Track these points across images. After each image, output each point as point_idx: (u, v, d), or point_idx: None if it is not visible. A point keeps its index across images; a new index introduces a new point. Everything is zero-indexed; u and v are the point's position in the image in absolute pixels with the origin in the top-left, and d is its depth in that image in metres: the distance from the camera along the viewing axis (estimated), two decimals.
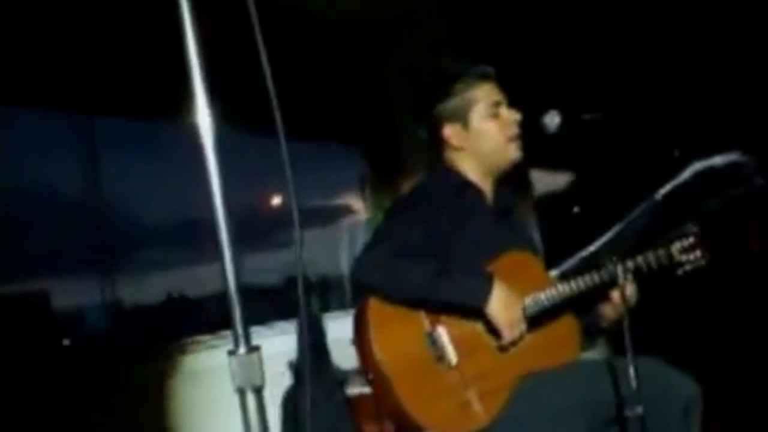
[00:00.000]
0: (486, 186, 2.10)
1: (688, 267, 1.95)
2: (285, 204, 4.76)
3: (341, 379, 3.41)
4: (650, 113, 4.74)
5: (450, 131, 2.06)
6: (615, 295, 1.92)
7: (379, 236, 1.88)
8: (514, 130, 2.04)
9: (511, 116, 2.05)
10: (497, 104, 2.05)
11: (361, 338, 1.80)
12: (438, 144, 2.10)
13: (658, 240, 1.87)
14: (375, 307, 1.80)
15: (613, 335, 2.00)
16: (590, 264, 1.75)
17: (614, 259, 1.70)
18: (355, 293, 3.59)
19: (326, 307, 4.13)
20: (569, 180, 6.07)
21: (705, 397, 1.86)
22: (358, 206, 4.54)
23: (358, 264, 1.82)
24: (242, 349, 0.93)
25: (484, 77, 2.07)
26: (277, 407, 3.37)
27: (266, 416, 0.95)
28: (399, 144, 4.17)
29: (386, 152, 4.22)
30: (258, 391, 0.93)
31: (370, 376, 1.79)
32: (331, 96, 4.19)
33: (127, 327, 3.60)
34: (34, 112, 3.25)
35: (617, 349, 1.82)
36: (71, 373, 2.84)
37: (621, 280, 1.68)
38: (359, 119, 4.33)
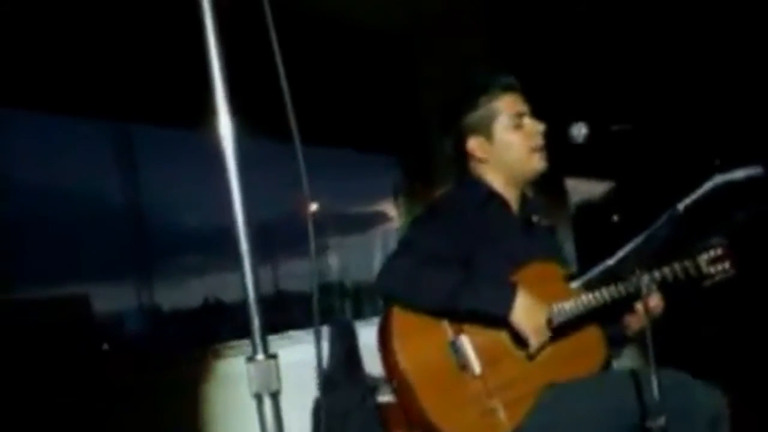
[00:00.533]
0: (512, 196, 2.11)
1: (716, 278, 1.95)
2: (323, 210, 4.81)
3: (372, 385, 3.44)
4: (687, 122, 4.69)
5: (474, 143, 2.08)
6: (639, 305, 1.92)
7: (403, 245, 1.90)
8: (538, 141, 2.05)
9: (534, 127, 2.06)
10: (520, 115, 2.07)
11: (385, 347, 1.83)
12: (463, 156, 2.12)
13: (683, 251, 1.87)
14: (399, 316, 1.83)
15: (644, 345, 1.99)
16: (613, 275, 1.75)
17: (638, 271, 1.70)
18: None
19: (359, 314, 4.17)
20: (607, 188, 6.02)
21: (733, 411, 1.85)
22: (393, 214, 4.57)
23: (382, 272, 1.85)
24: (260, 356, 0.97)
25: (507, 88, 2.08)
26: (308, 410, 3.41)
27: (282, 421, 0.98)
28: (432, 153, 4.20)
29: (420, 161, 4.24)
30: (274, 396, 0.96)
31: (395, 385, 1.82)
32: (369, 104, 4.24)
33: (165, 331, 3.66)
34: (76, 121, 3.32)
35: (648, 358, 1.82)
36: (109, 376, 2.90)
37: (644, 291, 1.68)
38: (395, 128, 4.37)
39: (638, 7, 4.34)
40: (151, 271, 3.54)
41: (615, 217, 6.25)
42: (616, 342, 2.06)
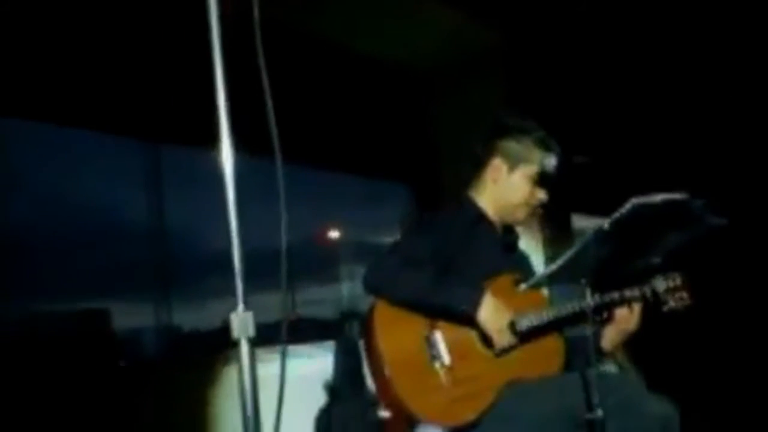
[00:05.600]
0: (497, 224, 2.41)
1: (673, 305, 2.20)
2: (343, 237, 5.04)
3: (374, 401, 3.64)
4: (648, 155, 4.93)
5: (497, 164, 2.36)
6: (620, 315, 2.20)
7: (391, 248, 2.18)
8: (535, 205, 2.37)
9: (541, 195, 2.37)
10: (541, 178, 2.35)
11: (367, 334, 2.10)
12: (481, 168, 2.40)
13: (642, 277, 2.13)
14: (381, 308, 2.10)
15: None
16: (554, 280, 2.00)
17: (591, 290, 1.95)
18: None
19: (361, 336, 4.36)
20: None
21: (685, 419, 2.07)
22: None
23: (370, 268, 2.13)
24: (240, 308, 1.25)
25: (549, 150, 2.36)
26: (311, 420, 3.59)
27: (256, 365, 1.26)
28: (444, 184, 4.44)
29: (431, 192, 4.49)
30: (251, 341, 1.25)
31: (373, 370, 2.08)
32: (383, 134, 4.50)
33: (182, 351, 3.74)
34: (103, 138, 3.42)
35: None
36: (124, 387, 3.00)
37: (590, 312, 1.93)
38: (409, 158, 4.63)
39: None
40: (171, 290, 3.65)
41: None
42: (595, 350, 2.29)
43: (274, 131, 1.35)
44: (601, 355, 2.33)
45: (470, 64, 4.55)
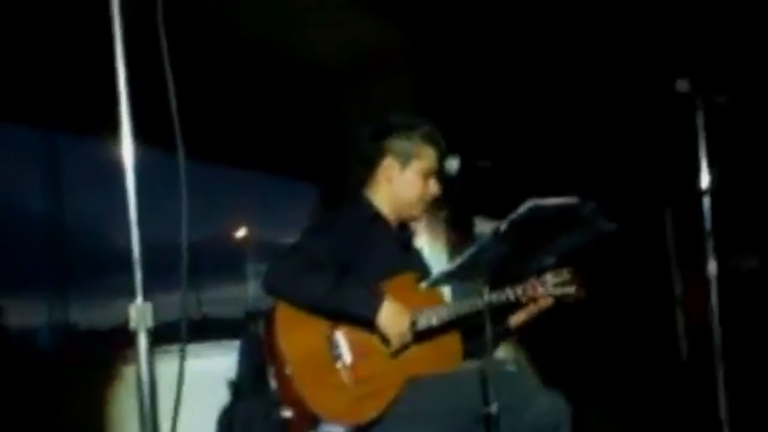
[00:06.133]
0: (393, 222, 2.44)
1: (565, 299, 2.30)
2: (251, 236, 4.99)
3: (278, 400, 3.64)
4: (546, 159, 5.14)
5: (389, 163, 2.38)
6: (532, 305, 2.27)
7: (290, 250, 2.18)
8: (429, 199, 2.40)
9: (434, 188, 2.40)
10: (433, 172, 2.39)
11: (268, 333, 2.10)
12: (372, 167, 2.42)
13: (526, 271, 2.21)
14: (283, 310, 2.11)
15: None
16: (453, 278, 2.07)
17: (487, 288, 2.02)
18: None
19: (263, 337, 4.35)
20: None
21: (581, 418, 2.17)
22: None
23: (268, 272, 2.13)
24: (139, 300, 1.24)
25: (438, 145, 2.39)
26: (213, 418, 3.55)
27: (154, 356, 1.25)
28: (350, 183, 4.46)
29: (338, 191, 4.50)
30: (148, 332, 1.24)
31: (274, 370, 2.09)
32: (292, 132, 4.50)
33: (78, 349, 3.61)
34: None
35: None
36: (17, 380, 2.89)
37: (486, 309, 2.00)
38: (316, 157, 4.63)
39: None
40: (69, 287, 3.56)
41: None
42: (498, 336, 2.35)
43: (177, 124, 1.34)
44: (507, 333, 2.39)
45: (377, 62, 4.60)
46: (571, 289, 2.29)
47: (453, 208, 2.46)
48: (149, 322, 1.24)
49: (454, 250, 4.33)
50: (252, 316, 4.15)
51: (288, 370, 2.04)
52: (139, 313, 1.24)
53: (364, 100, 4.55)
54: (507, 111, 4.97)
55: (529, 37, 4.60)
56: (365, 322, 2.10)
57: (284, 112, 4.45)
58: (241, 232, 5.04)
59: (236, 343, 3.71)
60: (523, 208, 1.69)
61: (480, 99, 4.79)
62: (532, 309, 2.31)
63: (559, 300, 2.30)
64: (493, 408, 1.92)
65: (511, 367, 2.34)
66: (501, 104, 4.95)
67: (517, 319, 2.35)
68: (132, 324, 1.23)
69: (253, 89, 4.21)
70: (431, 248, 2.73)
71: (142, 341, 1.23)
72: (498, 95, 4.93)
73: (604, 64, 4.83)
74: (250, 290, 4.79)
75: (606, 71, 4.90)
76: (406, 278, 2.26)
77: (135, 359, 3.30)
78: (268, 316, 2.13)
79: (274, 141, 4.39)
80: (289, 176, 4.70)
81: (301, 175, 4.69)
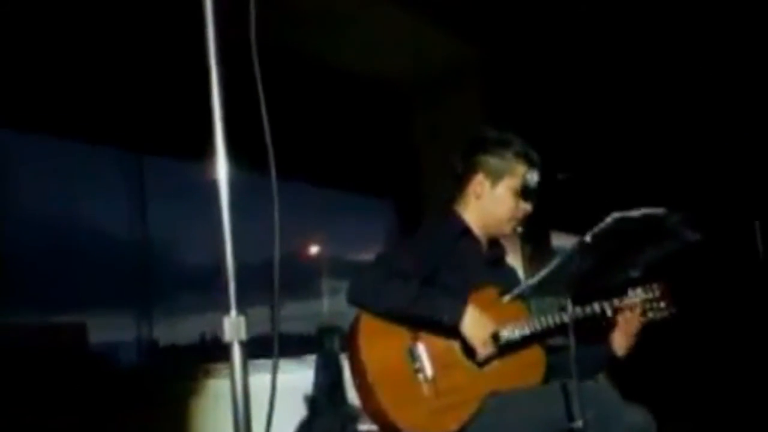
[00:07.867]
0: (482, 238, 2.43)
1: (652, 315, 2.25)
2: (323, 253, 5.05)
3: (353, 415, 3.68)
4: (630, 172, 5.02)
5: (480, 179, 2.38)
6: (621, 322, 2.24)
7: (376, 261, 2.21)
8: (521, 217, 2.38)
9: (526, 207, 2.38)
10: (525, 191, 2.37)
11: (351, 346, 2.12)
12: (463, 184, 2.42)
13: (611, 285, 2.17)
14: (366, 321, 2.13)
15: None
16: (536, 292, 2.05)
17: (571, 303, 1.99)
18: None
19: (346, 348, 4.39)
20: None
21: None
22: None
23: (353, 282, 2.16)
24: (233, 312, 1.28)
25: (532, 163, 2.38)
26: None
27: (248, 367, 1.28)
28: (425, 199, 4.48)
29: (413, 206, 4.53)
30: (242, 344, 1.27)
31: (357, 381, 2.11)
32: (364, 149, 4.56)
33: (159, 365, 3.77)
34: (85, 147, 3.37)
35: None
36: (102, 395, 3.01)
37: (571, 323, 1.97)
38: (390, 173, 4.68)
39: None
40: (151, 304, 3.66)
41: None
42: (598, 360, 2.34)
43: (270, 146, 1.39)
44: (615, 361, 2.35)
45: (449, 77, 4.62)
46: (661, 305, 2.25)
47: (529, 221, 2.43)
48: (243, 334, 1.27)
49: (529, 264, 4.29)
50: (326, 331, 4.26)
51: (370, 382, 2.06)
52: (233, 326, 1.27)
53: (435, 116, 4.57)
54: (581, 123, 4.90)
55: (601, 48, 4.54)
56: (449, 328, 2.10)
57: (358, 131, 4.50)
58: (314, 249, 5.10)
59: (309, 359, 3.81)
60: (607, 221, 1.67)
61: (552, 112, 4.75)
62: (627, 329, 2.27)
63: (648, 316, 2.26)
64: (579, 424, 1.89)
65: (589, 381, 2.30)
66: (574, 116, 4.89)
67: (619, 342, 2.30)
68: (227, 337, 1.27)
69: (327, 108, 4.28)
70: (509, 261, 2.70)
71: (237, 354, 1.27)
72: (570, 107, 4.88)
73: (687, 69, 4.72)
74: (325, 306, 4.85)
75: (690, 77, 4.78)
76: (488, 292, 2.25)
77: (215, 373, 3.33)
78: (351, 329, 2.15)
79: (348, 158, 4.44)
80: (363, 193, 4.74)
81: (373, 190, 4.73)
